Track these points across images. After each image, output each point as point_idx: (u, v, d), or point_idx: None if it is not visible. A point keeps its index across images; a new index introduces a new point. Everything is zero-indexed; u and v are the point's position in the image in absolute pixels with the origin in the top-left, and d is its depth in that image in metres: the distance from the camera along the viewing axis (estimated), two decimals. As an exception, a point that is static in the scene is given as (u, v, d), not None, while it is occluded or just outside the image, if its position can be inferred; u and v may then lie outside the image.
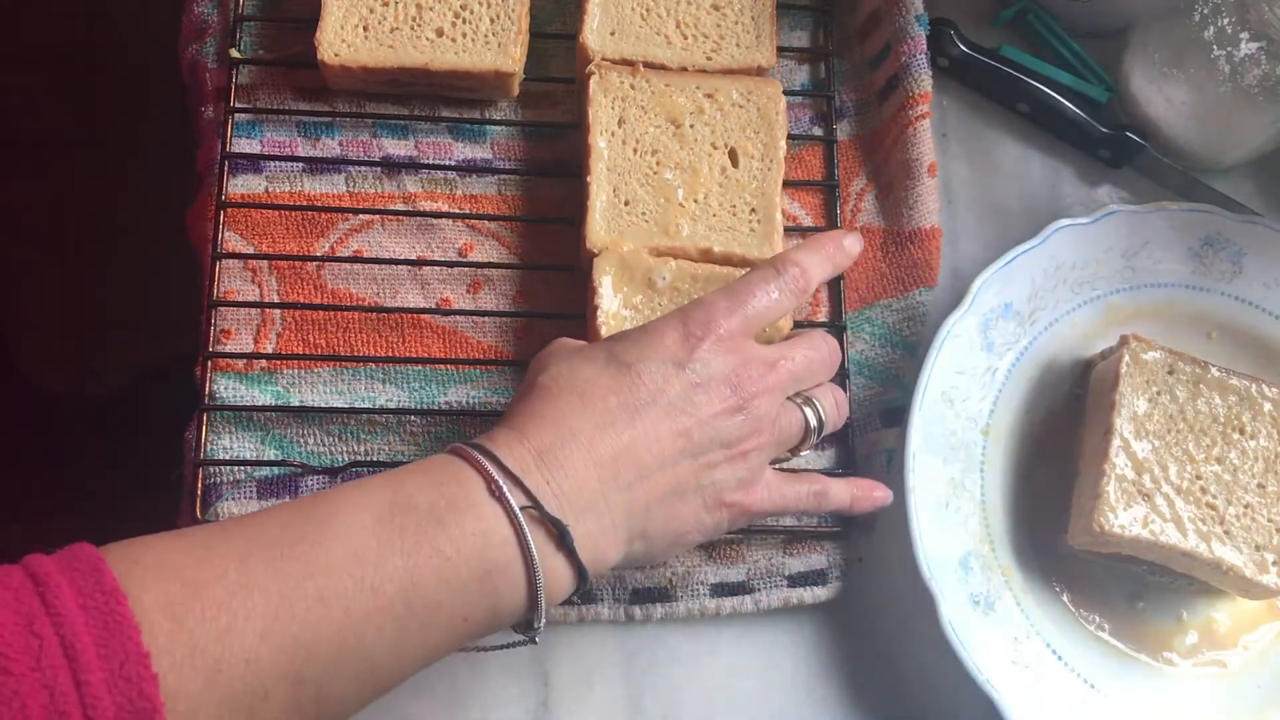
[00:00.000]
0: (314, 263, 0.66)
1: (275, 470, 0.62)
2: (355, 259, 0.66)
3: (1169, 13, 0.70)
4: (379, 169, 0.68)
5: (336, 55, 0.66)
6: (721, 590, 0.63)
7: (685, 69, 0.69)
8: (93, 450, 1.18)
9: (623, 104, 0.67)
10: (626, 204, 0.65)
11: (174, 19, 0.72)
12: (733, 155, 0.67)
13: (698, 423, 0.52)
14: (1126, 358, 0.63)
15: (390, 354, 0.65)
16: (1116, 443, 0.62)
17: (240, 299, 0.65)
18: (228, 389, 0.63)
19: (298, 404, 0.64)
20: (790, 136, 0.69)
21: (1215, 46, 0.67)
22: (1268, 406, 0.63)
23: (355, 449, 0.63)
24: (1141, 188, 0.74)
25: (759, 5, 0.70)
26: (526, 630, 0.50)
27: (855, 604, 0.65)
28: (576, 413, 0.51)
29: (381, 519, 0.46)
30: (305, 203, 0.67)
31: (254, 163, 0.67)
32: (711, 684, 0.63)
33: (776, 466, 0.60)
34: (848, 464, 0.66)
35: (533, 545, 0.47)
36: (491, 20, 0.68)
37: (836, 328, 0.68)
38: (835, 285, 0.69)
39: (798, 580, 0.64)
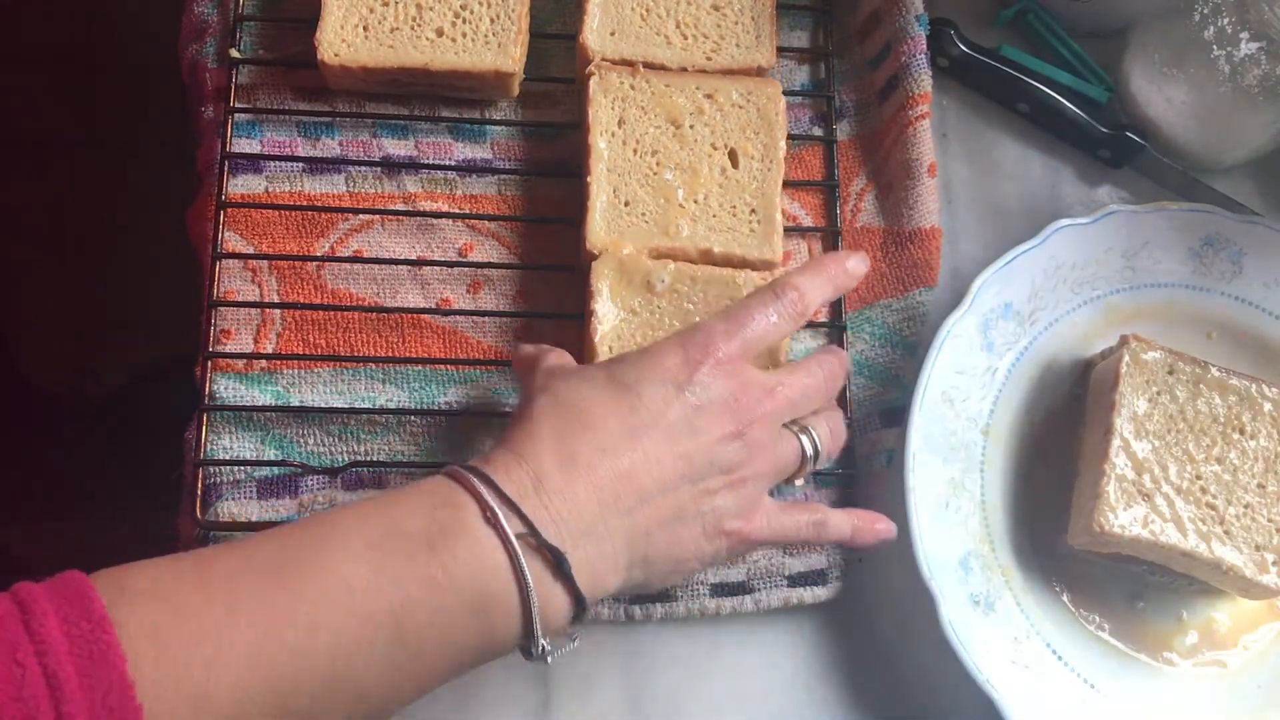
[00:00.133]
0: (314, 263, 0.66)
1: (275, 470, 0.62)
2: (355, 259, 0.67)
3: (1169, 13, 0.70)
4: (379, 169, 0.68)
5: (336, 55, 0.66)
6: (721, 590, 0.63)
7: (685, 69, 0.69)
8: (93, 450, 1.18)
9: (623, 104, 0.67)
10: (626, 204, 0.65)
11: (174, 19, 0.72)
12: (733, 156, 0.67)
13: (698, 447, 0.51)
14: (1126, 358, 0.63)
15: (390, 354, 0.65)
16: (1116, 443, 0.62)
17: (240, 299, 0.65)
18: (228, 389, 0.63)
19: (298, 404, 0.64)
20: (790, 136, 0.69)
21: (1215, 46, 0.67)
22: (1268, 406, 0.63)
23: (355, 449, 0.63)
24: (1141, 188, 0.74)
25: (759, 5, 0.70)
26: (529, 656, 0.49)
27: (855, 604, 0.65)
28: (575, 435, 0.50)
29: (373, 545, 0.45)
30: (305, 203, 0.67)
31: (254, 163, 0.67)
32: (711, 684, 0.63)
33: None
34: (848, 464, 0.66)
35: (528, 574, 0.46)
36: (491, 20, 0.68)
37: (837, 328, 0.68)
38: (835, 285, 0.69)
39: (798, 580, 0.64)
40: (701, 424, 0.52)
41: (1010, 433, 0.67)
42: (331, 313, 0.65)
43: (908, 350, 0.68)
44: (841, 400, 0.67)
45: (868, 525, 0.59)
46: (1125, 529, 0.60)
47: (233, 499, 0.62)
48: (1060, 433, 0.67)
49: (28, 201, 1.32)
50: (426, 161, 0.69)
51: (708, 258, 0.65)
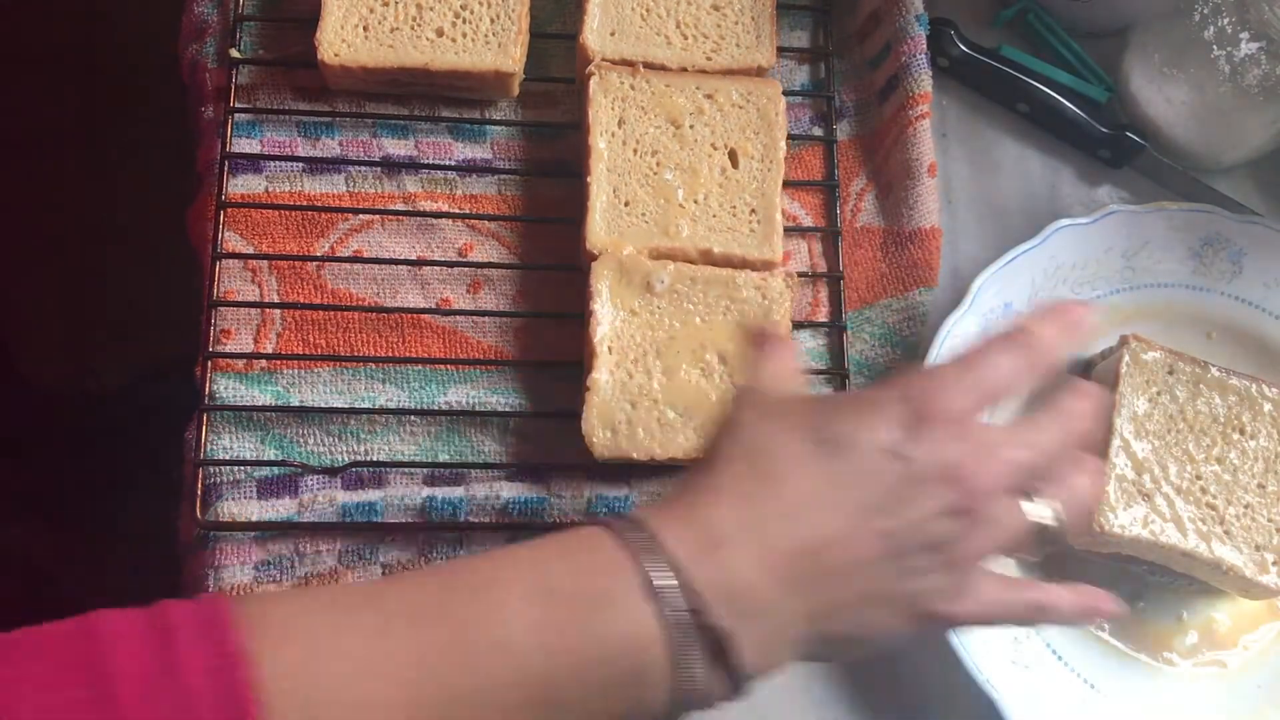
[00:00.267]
0: (314, 263, 0.66)
1: (275, 470, 0.62)
2: (355, 259, 0.67)
3: (1169, 13, 0.70)
4: (379, 169, 0.68)
5: (336, 55, 0.66)
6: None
7: (685, 69, 0.69)
8: (93, 450, 1.18)
9: (623, 104, 0.67)
10: (626, 204, 0.65)
11: (174, 19, 0.72)
12: (733, 156, 0.67)
13: (907, 523, 0.44)
14: (1126, 358, 0.63)
15: (390, 354, 0.65)
16: (1116, 443, 0.62)
17: (240, 299, 0.65)
18: (228, 389, 0.63)
19: (298, 404, 0.64)
20: (790, 136, 0.69)
21: (1215, 46, 0.67)
22: (1268, 407, 0.63)
23: (355, 449, 0.63)
24: (1141, 188, 0.74)
25: (759, 5, 0.70)
26: None
27: (855, 604, 0.65)
28: (762, 495, 0.43)
29: (527, 606, 0.41)
30: (305, 203, 0.67)
31: (254, 163, 0.67)
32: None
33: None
34: (848, 464, 0.66)
35: (686, 659, 0.41)
36: (491, 20, 0.68)
37: (837, 328, 0.68)
38: (835, 285, 0.69)
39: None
40: (916, 496, 0.44)
41: (1010, 433, 0.67)
42: (331, 313, 0.65)
43: (908, 350, 0.68)
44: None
45: (1093, 605, 0.50)
46: (1125, 529, 0.60)
47: (233, 499, 0.62)
48: (1060, 433, 0.67)
49: (27, 202, 1.32)
50: (426, 161, 0.69)
51: (708, 258, 0.65)
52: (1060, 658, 0.63)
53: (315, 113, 0.69)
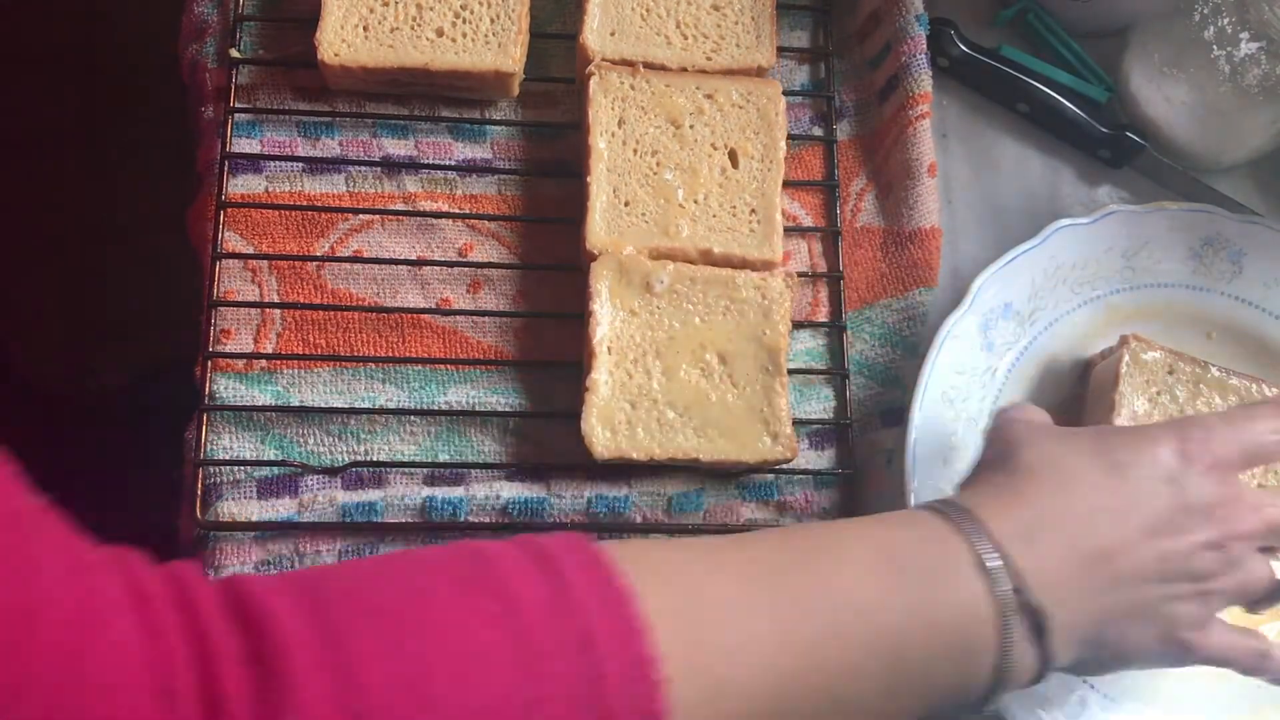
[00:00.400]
0: (314, 263, 0.66)
1: (275, 470, 0.62)
2: (355, 259, 0.67)
3: (1169, 13, 0.70)
4: (379, 169, 0.68)
5: (336, 55, 0.66)
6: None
7: (685, 69, 0.69)
8: (93, 450, 1.18)
9: (623, 104, 0.67)
10: (626, 204, 0.65)
11: (174, 19, 0.72)
12: (733, 156, 0.67)
13: (1176, 548, 0.48)
14: (1126, 358, 0.63)
15: (390, 354, 0.65)
16: (1116, 443, 0.62)
17: (240, 299, 0.65)
18: (228, 389, 0.63)
19: (298, 404, 0.64)
20: (790, 136, 0.69)
21: (1215, 46, 0.67)
22: (1268, 406, 0.63)
23: (355, 449, 0.63)
24: (1141, 188, 0.74)
25: (759, 5, 0.70)
26: (967, 713, 0.48)
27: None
28: (1061, 502, 0.48)
29: (872, 568, 0.45)
30: (305, 203, 0.67)
31: (254, 163, 0.67)
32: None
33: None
34: (847, 464, 0.66)
35: (1012, 631, 0.45)
36: (491, 20, 0.68)
37: (837, 328, 0.68)
38: (835, 285, 0.69)
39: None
40: (1187, 525, 0.49)
41: (1010, 433, 0.67)
42: (331, 313, 0.65)
43: (908, 350, 0.68)
44: (841, 400, 0.67)
45: None
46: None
47: (232, 499, 0.62)
48: (1060, 433, 0.67)
49: (27, 202, 1.32)
50: (426, 161, 0.69)
51: (708, 258, 0.65)
52: (1060, 658, 0.63)
53: (315, 113, 0.69)
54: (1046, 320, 0.68)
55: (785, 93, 0.69)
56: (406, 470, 0.63)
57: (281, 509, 0.62)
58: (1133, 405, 0.63)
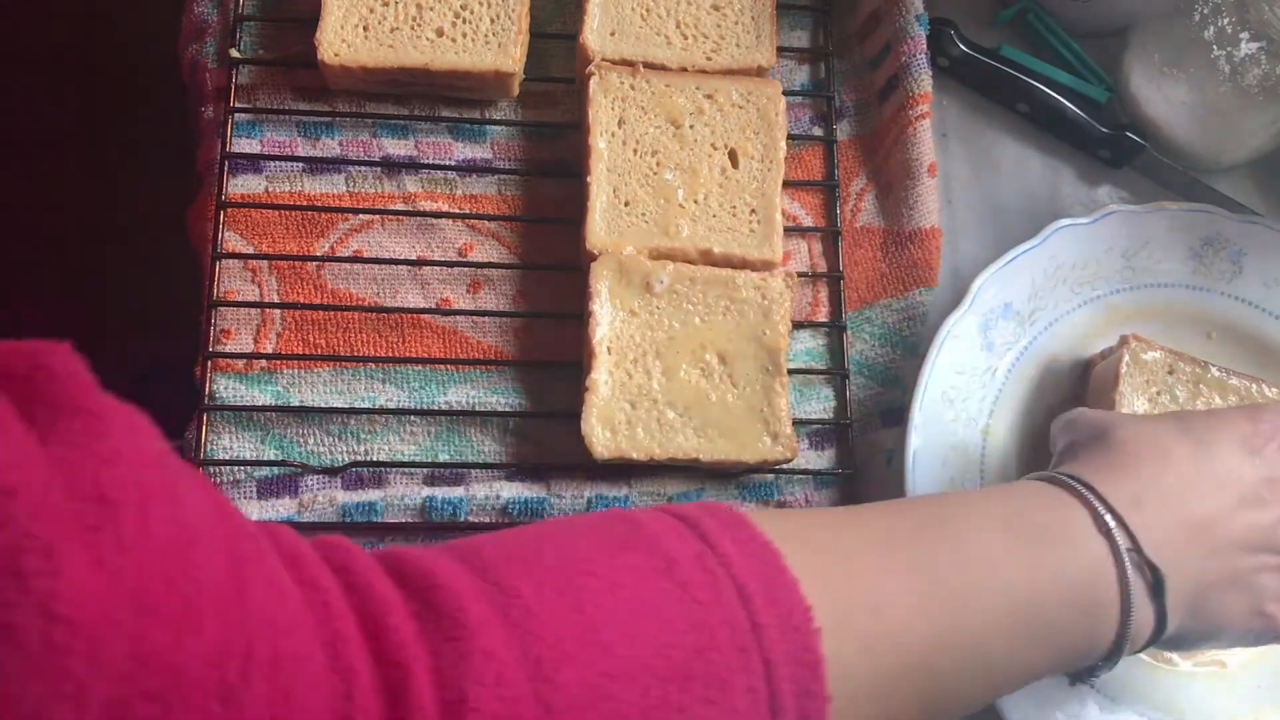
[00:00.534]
0: (314, 263, 0.66)
1: (275, 470, 0.62)
2: (355, 259, 0.67)
3: (1169, 13, 0.70)
4: (379, 169, 0.68)
5: (336, 55, 0.66)
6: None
7: (685, 69, 0.69)
8: (93, 450, 1.18)
9: (623, 104, 0.67)
10: (626, 204, 0.65)
11: (174, 19, 0.72)
12: (732, 156, 0.67)
13: (1263, 518, 0.50)
14: (1126, 358, 0.63)
15: (390, 354, 0.65)
16: (1116, 443, 0.62)
17: (240, 299, 0.65)
18: (228, 389, 0.63)
19: (298, 404, 0.64)
20: (790, 136, 0.69)
21: (1215, 46, 0.67)
22: (1268, 406, 0.63)
23: (355, 449, 0.63)
24: (1141, 188, 0.74)
25: (759, 5, 0.70)
26: (1085, 677, 0.50)
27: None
28: (1162, 473, 0.50)
29: (1001, 531, 0.46)
30: (305, 203, 0.67)
31: (254, 163, 0.67)
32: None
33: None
34: (847, 464, 0.66)
35: (1132, 587, 0.46)
36: (491, 20, 0.68)
37: (837, 328, 0.68)
38: (835, 285, 0.69)
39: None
40: (1270, 496, 0.51)
41: (1010, 433, 0.67)
42: (331, 313, 0.65)
43: (908, 350, 0.68)
44: (841, 400, 0.67)
45: None
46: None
47: (233, 499, 0.62)
48: (1060, 433, 0.67)
49: (27, 202, 1.32)
50: (426, 161, 0.69)
51: (708, 258, 0.65)
52: (1060, 658, 0.63)
53: (315, 113, 0.69)
54: (1046, 320, 0.68)
55: (785, 93, 0.69)
56: (406, 470, 0.63)
57: (281, 509, 0.62)
58: (1132, 405, 0.63)
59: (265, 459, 0.63)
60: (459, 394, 0.65)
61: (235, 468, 0.62)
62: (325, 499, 0.62)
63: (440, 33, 0.67)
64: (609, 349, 0.63)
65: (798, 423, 0.65)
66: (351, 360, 0.65)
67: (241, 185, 0.67)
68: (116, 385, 0.32)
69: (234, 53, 0.68)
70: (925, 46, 0.70)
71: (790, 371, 0.65)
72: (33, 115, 1.36)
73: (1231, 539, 0.50)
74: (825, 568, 0.43)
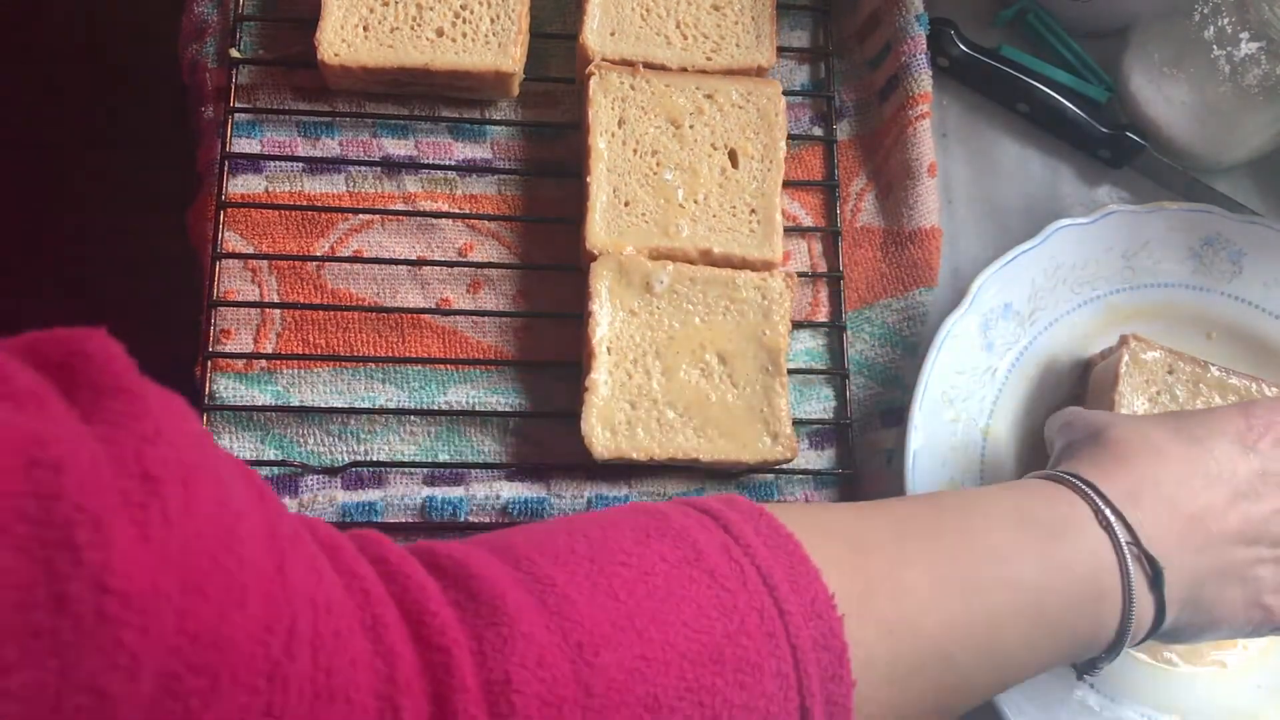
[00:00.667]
0: (314, 263, 0.66)
1: (275, 470, 0.62)
2: (355, 259, 0.67)
3: (1169, 13, 0.70)
4: (379, 169, 0.68)
5: (336, 55, 0.66)
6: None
7: (685, 69, 0.69)
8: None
9: (623, 104, 0.67)
10: (626, 205, 0.65)
11: (174, 19, 0.72)
12: (732, 156, 0.67)
13: (1258, 513, 0.51)
14: (1126, 357, 0.63)
15: (390, 354, 0.65)
16: (1116, 443, 0.62)
17: (240, 299, 0.65)
18: (228, 389, 0.63)
19: (298, 404, 0.64)
20: (790, 136, 0.69)
21: (1215, 46, 0.67)
22: (1268, 406, 0.63)
23: (355, 449, 0.63)
24: (1141, 188, 0.74)
25: (759, 5, 0.70)
26: (1088, 669, 0.51)
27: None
28: (1156, 470, 0.51)
29: (1011, 526, 0.47)
30: (305, 203, 0.67)
31: (254, 163, 0.67)
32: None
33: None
34: (847, 464, 0.66)
35: (1133, 578, 0.48)
36: (491, 20, 0.68)
37: (837, 328, 0.68)
38: (835, 285, 0.69)
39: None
40: (1264, 490, 0.52)
41: (1010, 433, 0.67)
42: (331, 313, 0.65)
43: (908, 350, 0.68)
44: (841, 400, 0.67)
45: None
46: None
47: (233, 499, 0.62)
48: (1060, 433, 0.67)
49: (27, 202, 1.32)
50: (426, 161, 0.69)
51: (708, 258, 0.65)
52: (1060, 658, 0.63)
53: (315, 113, 0.69)
54: (1046, 320, 0.68)
55: (785, 93, 0.69)
56: (406, 470, 0.63)
57: (281, 509, 0.62)
58: (1132, 405, 0.63)
59: (265, 459, 0.63)
60: (459, 394, 0.65)
61: (235, 468, 0.62)
62: (325, 499, 0.62)
63: (440, 33, 0.67)
64: (609, 349, 0.63)
65: (798, 423, 0.65)
66: (351, 360, 0.65)
67: (241, 185, 0.67)
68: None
69: (234, 53, 0.68)
70: (925, 46, 0.70)
71: (790, 371, 0.65)
72: (33, 115, 1.36)
73: (1226, 532, 0.51)
74: (844, 558, 0.44)
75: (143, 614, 0.27)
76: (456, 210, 0.68)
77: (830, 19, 0.74)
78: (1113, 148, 0.72)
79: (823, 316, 0.69)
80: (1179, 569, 0.49)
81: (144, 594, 0.27)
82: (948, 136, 0.74)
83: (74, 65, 1.37)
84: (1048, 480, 0.51)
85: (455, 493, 0.63)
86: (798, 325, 0.68)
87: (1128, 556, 0.48)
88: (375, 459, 0.63)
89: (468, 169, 0.69)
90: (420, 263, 0.66)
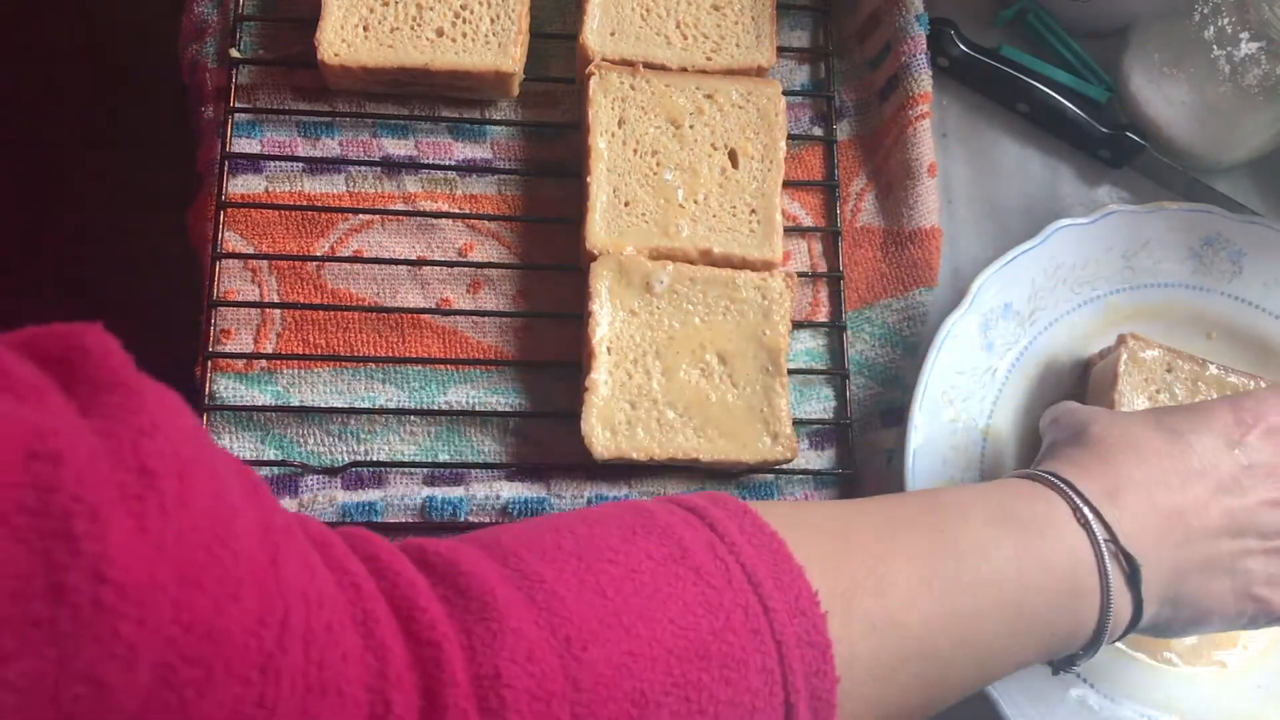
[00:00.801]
0: (314, 263, 0.66)
1: (275, 470, 0.62)
2: (355, 259, 0.67)
3: (1169, 13, 0.70)
4: (379, 169, 0.68)
5: (336, 55, 0.66)
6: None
7: (685, 69, 0.69)
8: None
9: (623, 104, 0.67)
10: (626, 205, 0.65)
11: (174, 19, 0.72)
12: (732, 156, 0.67)
13: (1242, 506, 0.52)
14: (1125, 356, 0.63)
15: (390, 354, 0.65)
16: (1116, 443, 0.62)
17: (240, 299, 0.65)
18: (228, 389, 0.63)
19: (298, 404, 0.64)
20: (790, 136, 0.69)
21: (1215, 46, 0.67)
22: (1268, 406, 0.63)
23: (355, 449, 0.63)
24: (1141, 188, 0.74)
25: (759, 5, 0.70)
26: (1066, 665, 0.51)
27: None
28: (1135, 467, 0.51)
29: (991, 520, 0.48)
30: (305, 203, 0.67)
31: (254, 163, 0.67)
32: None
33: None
34: (847, 464, 0.66)
35: (1110, 575, 0.48)
36: (491, 20, 0.68)
37: (837, 328, 0.68)
38: (835, 285, 0.69)
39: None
40: (1249, 483, 0.52)
41: (1010, 432, 0.67)
42: (331, 313, 0.65)
43: (908, 350, 0.68)
44: (841, 400, 0.67)
45: None
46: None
47: (233, 499, 0.62)
48: (1060, 433, 0.67)
49: (27, 202, 1.32)
50: (426, 161, 0.69)
51: (708, 258, 0.65)
52: (1060, 658, 0.63)
53: (315, 113, 0.69)
54: (1046, 320, 0.68)
55: (785, 93, 0.69)
56: (406, 470, 0.63)
57: (281, 509, 0.62)
58: (1132, 403, 0.63)
59: (265, 459, 0.63)
60: (459, 394, 0.65)
61: (235, 468, 0.62)
62: (325, 499, 0.62)
63: (440, 33, 0.67)
64: (609, 349, 0.63)
65: (798, 423, 0.65)
66: (351, 360, 0.65)
67: (241, 185, 0.67)
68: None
69: (234, 53, 0.68)
70: (925, 46, 0.70)
71: (790, 371, 0.65)
72: (33, 115, 1.36)
73: (1207, 526, 0.51)
74: (827, 555, 0.44)
75: (140, 605, 0.27)
76: (456, 210, 0.68)
77: (830, 19, 0.74)
78: (1113, 148, 0.72)
79: (823, 316, 0.69)
80: (1157, 566, 0.50)
81: (141, 585, 0.28)
82: (948, 136, 0.74)
83: (74, 65, 1.37)
84: (1028, 479, 0.51)
85: (455, 493, 0.63)
86: (798, 325, 0.68)
87: (1105, 554, 0.48)
88: (375, 459, 0.63)
89: (468, 169, 0.69)
90: (420, 263, 0.66)
